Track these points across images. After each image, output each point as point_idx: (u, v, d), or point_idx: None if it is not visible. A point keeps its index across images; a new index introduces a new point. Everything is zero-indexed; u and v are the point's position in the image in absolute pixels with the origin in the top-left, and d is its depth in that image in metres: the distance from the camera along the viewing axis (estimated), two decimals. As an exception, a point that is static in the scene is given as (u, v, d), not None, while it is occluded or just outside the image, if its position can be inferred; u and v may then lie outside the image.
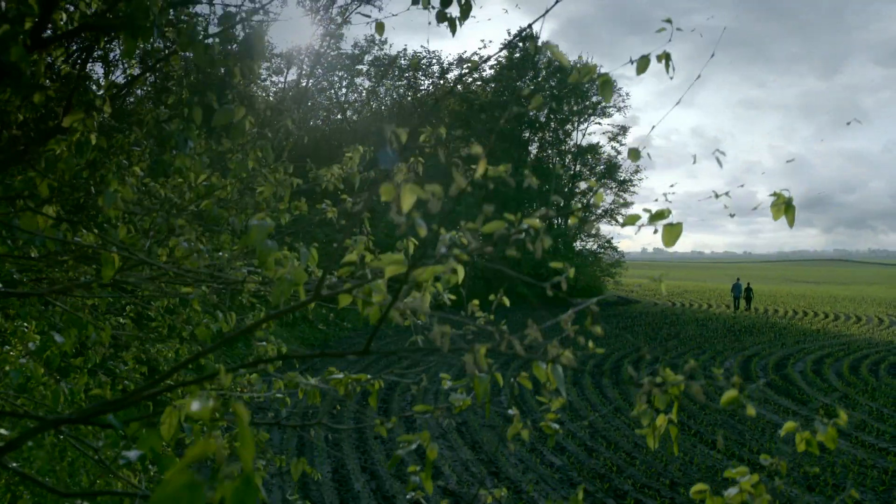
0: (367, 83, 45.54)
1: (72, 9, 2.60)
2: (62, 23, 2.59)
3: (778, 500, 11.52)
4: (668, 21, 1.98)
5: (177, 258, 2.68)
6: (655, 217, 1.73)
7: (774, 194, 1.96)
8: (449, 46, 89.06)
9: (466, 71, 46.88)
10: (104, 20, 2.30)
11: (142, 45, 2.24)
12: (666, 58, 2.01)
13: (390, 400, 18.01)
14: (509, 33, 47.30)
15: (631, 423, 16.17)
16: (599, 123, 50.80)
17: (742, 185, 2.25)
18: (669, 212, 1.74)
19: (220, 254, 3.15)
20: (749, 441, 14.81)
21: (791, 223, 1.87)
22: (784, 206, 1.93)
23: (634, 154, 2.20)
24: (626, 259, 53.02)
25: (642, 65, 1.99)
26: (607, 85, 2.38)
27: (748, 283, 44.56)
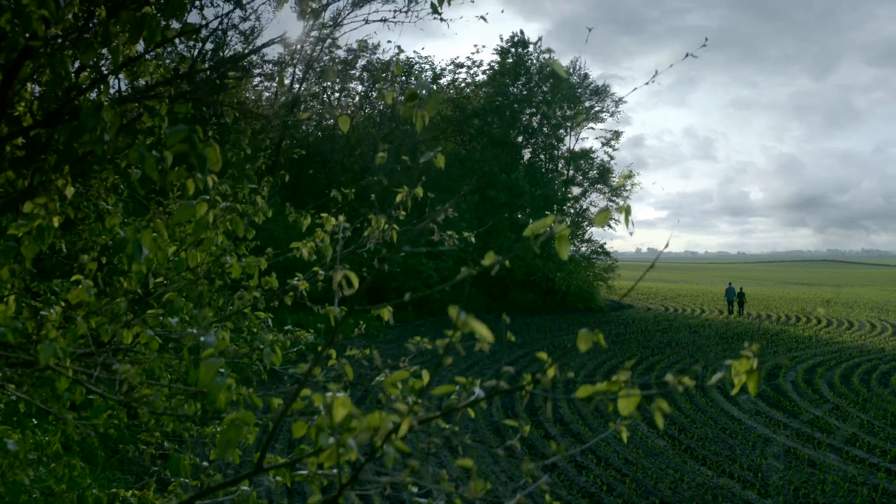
0: (360, 88, 45.49)
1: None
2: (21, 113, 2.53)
3: (768, 520, 11.51)
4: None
5: (131, 385, 2.62)
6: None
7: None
8: (441, 52, 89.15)
9: (460, 74, 46.88)
10: (57, 119, 2.24)
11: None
12: (626, 210, 1.97)
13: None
14: (501, 38, 47.38)
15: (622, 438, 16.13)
16: (592, 128, 50.80)
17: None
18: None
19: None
20: (740, 457, 14.77)
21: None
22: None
23: (601, 219, 2.14)
24: (620, 260, 53.05)
25: (601, 219, 1.95)
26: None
27: (741, 288, 44.86)
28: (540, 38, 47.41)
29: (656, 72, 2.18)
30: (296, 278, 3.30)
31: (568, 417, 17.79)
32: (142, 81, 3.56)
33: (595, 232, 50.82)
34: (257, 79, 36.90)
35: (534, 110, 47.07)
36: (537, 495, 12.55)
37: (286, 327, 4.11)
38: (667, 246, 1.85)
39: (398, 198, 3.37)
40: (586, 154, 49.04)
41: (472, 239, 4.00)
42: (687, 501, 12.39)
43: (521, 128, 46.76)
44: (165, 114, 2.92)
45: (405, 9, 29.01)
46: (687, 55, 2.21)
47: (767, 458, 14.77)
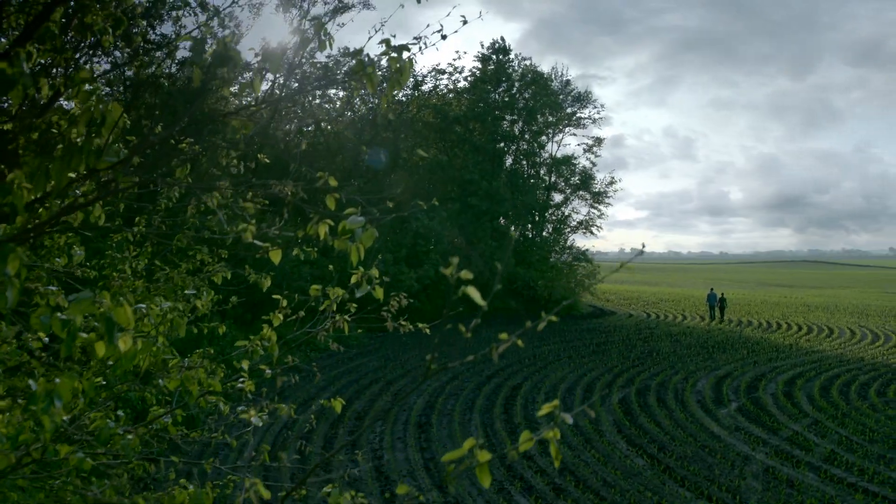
0: (341, 93, 45.29)
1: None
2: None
3: (745, 547, 11.45)
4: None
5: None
6: None
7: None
8: (423, 59, 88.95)
9: (442, 80, 46.76)
10: None
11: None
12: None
13: (358, 431, 17.77)
14: (482, 45, 47.33)
15: (601, 457, 16.06)
16: (574, 135, 50.91)
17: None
18: None
19: None
20: (718, 477, 14.72)
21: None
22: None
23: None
24: (603, 260, 53.36)
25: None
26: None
27: (722, 294, 45.23)
28: (511, 50, 47.43)
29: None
30: (240, 379, 3.18)
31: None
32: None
33: (576, 238, 51.00)
34: (235, 87, 36.53)
35: (515, 117, 47.09)
36: (515, 522, 12.47)
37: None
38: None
39: (352, 279, 3.21)
40: (568, 160, 49.10)
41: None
42: (665, 527, 12.32)
43: (502, 134, 46.73)
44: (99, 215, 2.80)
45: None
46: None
47: (746, 477, 14.74)
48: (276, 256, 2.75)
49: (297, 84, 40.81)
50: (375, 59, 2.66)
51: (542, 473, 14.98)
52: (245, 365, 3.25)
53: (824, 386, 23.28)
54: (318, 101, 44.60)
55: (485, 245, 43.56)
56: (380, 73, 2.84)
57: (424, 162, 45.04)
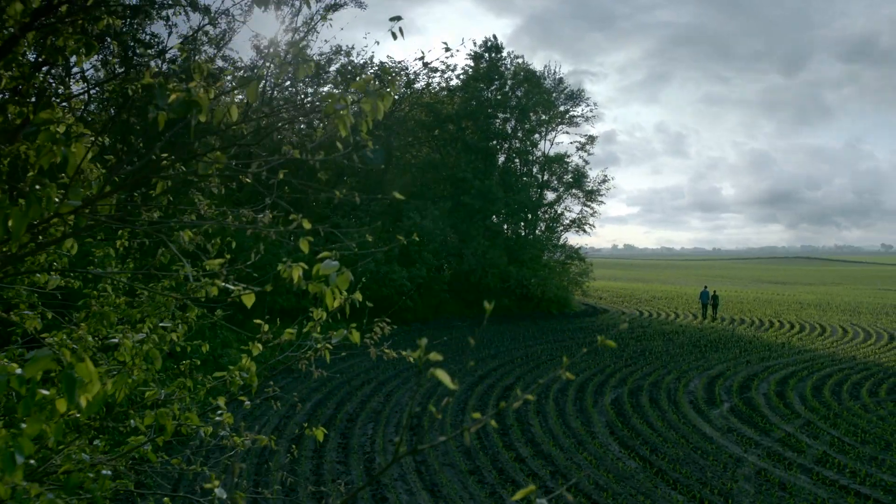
0: (335, 91, 45.15)
1: None
2: None
3: (737, 552, 11.42)
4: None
5: None
6: None
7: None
8: (414, 53, 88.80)
9: (434, 78, 46.62)
10: None
11: None
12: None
13: (350, 434, 17.70)
14: (475, 43, 47.20)
15: (593, 459, 16.02)
16: (567, 133, 50.91)
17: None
18: None
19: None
20: (711, 480, 14.69)
21: None
22: None
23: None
24: (596, 256, 53.59)
25: None
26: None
27: (714, 291, 45.29)
28: (503, 47, 47.30)
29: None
30: (218, 412, 3.10)
31: (539, 438, 17.63)
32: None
33: (569, 236, 51.05)
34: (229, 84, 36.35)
35: (508, 115, 47.02)
36: (506, 527, 12.41)
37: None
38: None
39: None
40: (561, 158, 49.05)
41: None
42: (657, 531, 12.28)
43: (495, 132, 46.64)
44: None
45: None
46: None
47: (738, 480, 14.71)
48: (248, 300, 2.67)
49: (289, 81, 40.71)
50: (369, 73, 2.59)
51: (534, 477, 14.94)
52: (222, 401, 3.17)
53: (816, 386, 23.29)
54: (309, 98, 44.48)
55: (477, 243, 43.49)
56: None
57: (417, 160, 44.95)
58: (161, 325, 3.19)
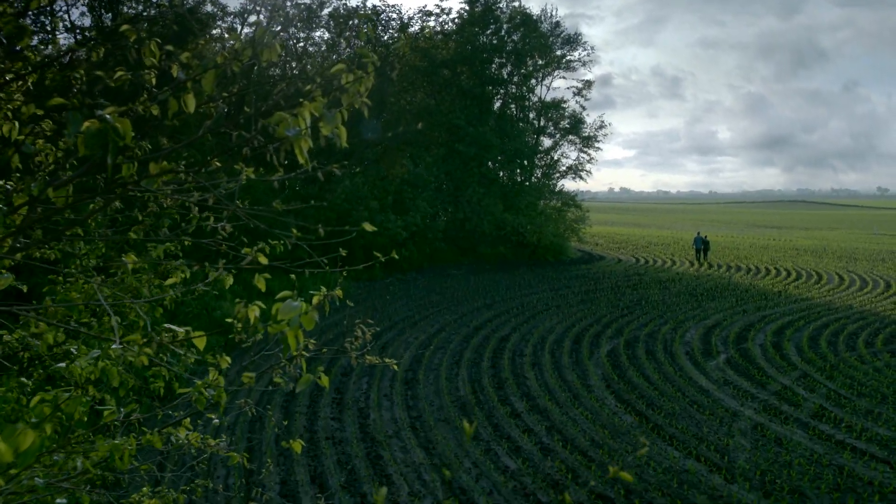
0: (326, 35, 44.38)
1: None
2: None
3: (733, 511, 11.36)
4: None
5: None
6: None
7: None
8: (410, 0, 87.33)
9: (429, 22, 45.71)
10: None
11: None
12: None
13: (345, 389, 17.57)
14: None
15: (589, 414, 15.94)
16: (564, 78, 50.14)
17: None
18: None
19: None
20: (707, 436, 14.61)
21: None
22: None
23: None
24: (592, 200, 53.68)
25: None
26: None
27: (705, 236, 46.46)
28: None
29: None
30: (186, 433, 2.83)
31: (535, 391, 17.53)
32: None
33: (565, 183, 50.69)
34: (217, 30, 35.59)
35: (503, 60, 46.22)
36: (501, 485, 12.33)
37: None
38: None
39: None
40: (558, 104, 48.36)
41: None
42: (653, 489, 12.20)
43: (490, 78, 45.89)
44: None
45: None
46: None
47: (735, 435, 14.64)
48: (200, 343, 2.38)
49: (280, 28, 39.82)
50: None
51: (529, 433, 14.84)
52: (186, 427, 2.90)
53: (813, 336, 23.21)
54: (302, 44, 43.64)
55: (472, 191, 43.12)
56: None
57: (411, 106, 44.29)
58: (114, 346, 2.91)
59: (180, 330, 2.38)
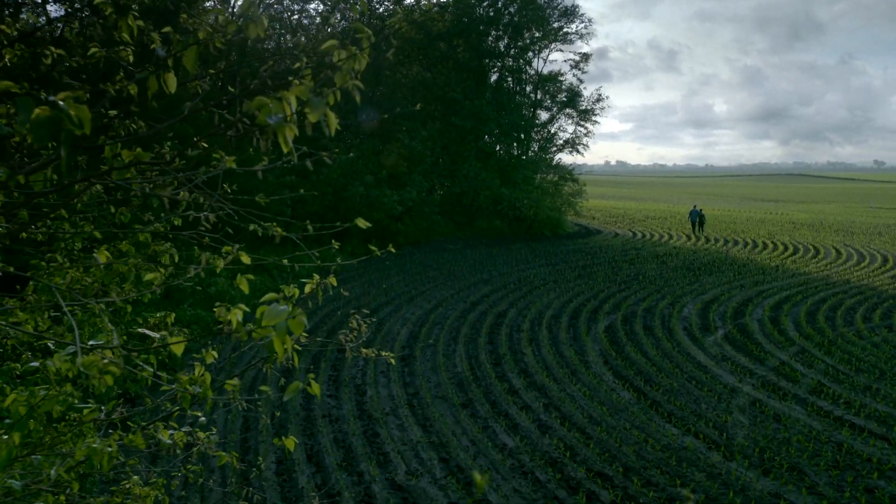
0: (321, 7, 43.89)
1: None
2: None
3: (731, 489, 11.30)
4: None
5: None
6: None
7: None
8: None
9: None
10: None
11: None
12: None
13: (341, 366, 17.47)
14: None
15: (587, 391, 15.86)
16: (561, 51, 49.68)
17: None
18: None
19: None
20: (706, 412, 14.54)
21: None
22: None
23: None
24: (588, 174, 53.66)
25: None
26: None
27: (700, 209, 46.75)
28: None
29: None
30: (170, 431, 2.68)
31: (532, 368, 17.45)
32: None
33: (562, 157, 50.44)
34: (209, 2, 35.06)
35: (500, 32, 45.76)
36: (499, 463, 12.26)
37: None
38: None
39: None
40: (555, 77, 47.92)
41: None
42: (651, 467, 12.13)
43: (487, 50, 45.46)
44: None
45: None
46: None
47: (733, 412, 14.58)
48: (178, 349, 2.23)
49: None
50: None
51: (527, 410, 14.76)
52: (172, 425, 2.75)
53: (811, 311, 23.14)
54: (296, 16, 43.14)
55: (469, 166, 42.84)
56: None
57: (407, 80, 43.89)
58: (92, 343, 2.75)
59: (155, 335, 2.23)
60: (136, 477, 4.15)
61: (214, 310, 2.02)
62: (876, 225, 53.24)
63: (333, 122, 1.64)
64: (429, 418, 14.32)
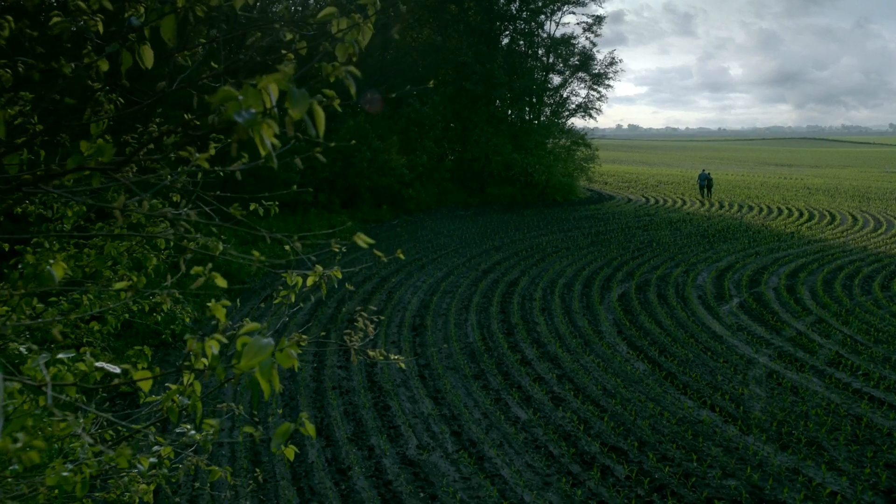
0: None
1: None
2: None
3: (749, 464, 11.08)
4: None
5: None
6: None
7: None
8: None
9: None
10: None
11: None
12: None
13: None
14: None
15: (601, 362, 15.64)
16: (574, 13, 48.81)
17: None
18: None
19: None
20: (722, 384, 14.30)
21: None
22: None
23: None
24: (600, 137, 53.09)
25: None
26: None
27: (709, 173, 46.90)
28: None
29: None
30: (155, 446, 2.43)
31: (545, 338, 17.23)
32: None
33: (574, 121, 49.81)
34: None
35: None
36: (511, 437, 12.08)
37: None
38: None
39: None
40: (567, 41, 47.10)
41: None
42: (666, 441, 11.93)
43: (498, 13, 44.69)
44: None
45: None
46: None
47: (749, 384, 14.33)
48: (146, 386, 1.97)
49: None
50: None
51: (540, 381, 14.55)
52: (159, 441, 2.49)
53: (827, 279, 22.77)
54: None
55: (480, 131, 42.33)
56: None
57: (417, 44, 43.23)
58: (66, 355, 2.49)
59: (115, 370, 1.97)
60: (133, 472, 3.93)
61: (186, 339, 1.77)
62: (893, 190, 52.46)
63: (321, 118, 1.36)
64: (440, 390, 14.14)
